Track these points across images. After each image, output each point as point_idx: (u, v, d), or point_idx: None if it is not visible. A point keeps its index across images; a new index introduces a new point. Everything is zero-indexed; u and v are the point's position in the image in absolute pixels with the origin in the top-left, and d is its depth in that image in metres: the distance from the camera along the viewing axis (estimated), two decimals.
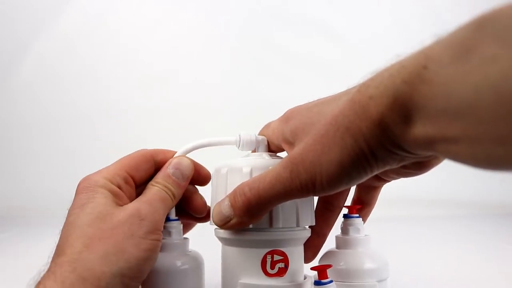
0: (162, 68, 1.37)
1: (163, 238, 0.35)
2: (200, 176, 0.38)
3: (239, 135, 0.36)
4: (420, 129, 0.22)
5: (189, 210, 0.38)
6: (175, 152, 0.37)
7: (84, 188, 0.32)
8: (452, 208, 1.12)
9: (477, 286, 0.50)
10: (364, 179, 0.26)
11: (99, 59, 1.38)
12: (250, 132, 0.36)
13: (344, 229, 0.38)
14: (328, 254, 0.38)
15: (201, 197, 0.38)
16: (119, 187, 0.33)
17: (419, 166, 0.30)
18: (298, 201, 0.32)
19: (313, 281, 0.32)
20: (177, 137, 1.15)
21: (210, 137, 0.37)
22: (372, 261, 0.36)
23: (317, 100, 0.31)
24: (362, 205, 0.39)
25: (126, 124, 1.34)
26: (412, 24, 1.31)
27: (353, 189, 0.39)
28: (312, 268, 0.32)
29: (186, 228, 0.40)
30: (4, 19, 1.39)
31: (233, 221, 0.31)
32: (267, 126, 0.36)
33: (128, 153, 0.36)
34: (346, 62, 1.31)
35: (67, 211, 0.32)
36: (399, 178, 0.34)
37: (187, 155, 0.37)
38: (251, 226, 0.31)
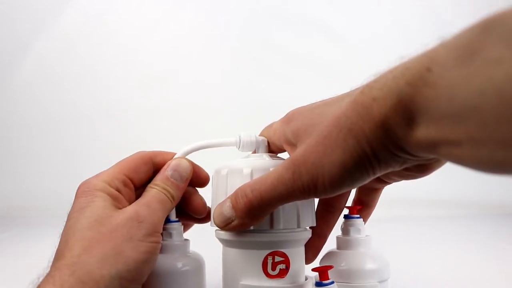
0: (162, 68, 1.37)
1: (164, 240, 0.35)
2: (199, 178, 0.38)
3: (239, 136, 0.36)
4: (423, 131, 0.22)
5: (188, 211, 0.38)
6: (174, 154, 0.37)
7: (83, 192, 0.32)
8: (452, 208, 1.12)
9: (477, 286, 0.50)
10: (366, 181, 0.26)
11: (99, 59, 1.38)
12: (250, 133, 0.36)
13: (345, 230, 0.38)
14: (329, 254, 0.38)
15: (201, 198, 0.38)
16: (118, 190, 0.33)
17: (421, 169, 0.30)
18: (298, 202, 0.32)
19: (314, 282, 0.32)
20: (177, 137, 1.15)
21: (210, 138, 0.36)
22: (373, 261, 0.36)
23: (320, 101, 0.31)
24: (363, 206, 0.39)
25: (126, 124, 1.34)
26: (412, 24, 1.31)
27: (353, 191, 0.39)
28: (313, 269, 0.32)
29: (184, 228, 0.40)
30: (4, 19, 1.38)
31: (235, 222, 0.31)
32: (269, 126, 0.36)
33: (128, 154, 0.36)
34: (346, 62, 1.31)
35: (66, 213, 0.32)
36: (400, 180, 0.34)
37: (187, 157, 0.37)
38: (252, 227, 0.31)
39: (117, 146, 1.26)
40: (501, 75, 0.18)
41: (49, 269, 0.29)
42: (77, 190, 0.32)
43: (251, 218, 0.30)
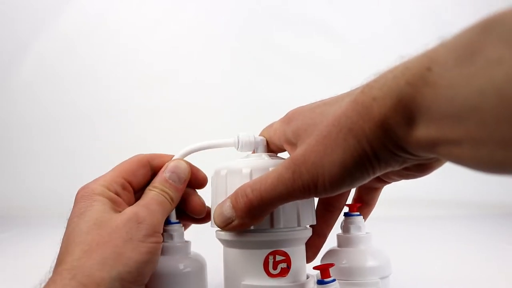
0: (162, 68, 1.37)
1: (165, 242, 0.35)
2: (197, 180, 0.38)
3: (238, 137, 0.36)
4: (423, 131, 0.22)
5: (188, 211, 0.38)
6: (172, 156, 0.37)
7: (82, 197, 0.32)
8: (452, 208, 1.12)
9: (477, 286, 0.50)
10: (366, 180, 0.26)
11: (99, 59, 1.38)
12: (249, 133, 0.36)
13: (345, 228, 0.38)
14: (330, 253, 0.38)
15: (200, 198, 0.38)
16: (117, 194, 0.33)
17: (420, 168, 0.30)
18: (298, 201, 0.32)
19: (316, 281, 0.32)
20: (177, 137, 1.15)
21: (208, 139, 0.37)
22: (374, 258, 0.36)
23: (320, 101, 0.31)
24: (363, 204, 0.39)
25: (126, 124, 1.34)
26: (412, 24, 1.31)
27: (353, 190, 0.39)
28: (314, 268, 0.32)
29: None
30: (4, 19, 1.38)
31: (235, 222, 0.31)
32: (269, 126, 0.36)
33: (129, 154, 0.36)
34: (346, 62, 1.31)
35: (67, 213, 0.32)
36: (400, 179, 0.34)
37: (185, 158, 0.37)
38: (252, 227, 0.31)
39: (117, 146, 1.26)
40: (501, 75, 0.18)
41: (51, 274, 0.29)
42: (76, 195, 0.33)
43: (252, 218, 0.30)
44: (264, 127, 0.37)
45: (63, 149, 1.33)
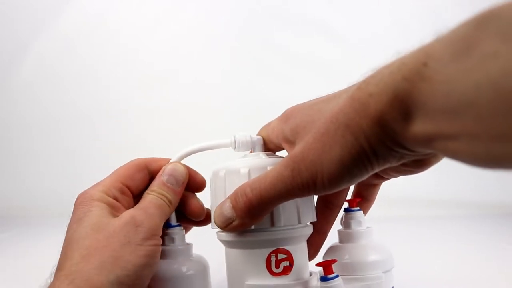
0: (162, 68, 1.37)
1: (167, 245, 0.35)
2: (195, 183, 0.38)
3: (234, 137, 0.36)
4: (420, 126, 0.22)
5: (187, 214, 0.38)
6: (169, 160, 0.37)
7: (81, 203, 0.32)
8: (452, 208, 1.12)
9: (477, 286, 0.50)
10: (365, 176, 0.26)
11: (99, 59, 1.38)
12: (245, 132, 0.36)
13: (346, 223, 0.38)
14: (331, 249, 0.38)
15: (198, 201, 0.38)
16: (116, 199, 0.33)
17: (418, 164, 0.30)
18: (298, 198, 0.32)
19: (319, 277, 0.32)
20: (177, 137, 1.15)
21: (205, 141, 0.37)
22: (376, 252, 0.36)
23: (317, 98, 0.31)
24: (362, 199, 0.39)
25: (126, 124, 1.34)
26: (412, 24, 1.31)
27: (352, 187, 0.39)
28: (317, 264, 0.32)
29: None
30: (4, 19, 1.38)
31: (235, 222, 0.30)
32: (267, 125, 0.36)
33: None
34: (346, 62, 1.31)
35: (66, 213, 0.32)
36: (398, 176, 0.34)
37: (182, 161, 0.37)
38: (253, 227, 0.31)
39: (117, 146, 1.26)
40: (497, 69, 0.18)
41: (51, 279, 0.29)
42: (75, 202, 0.33)
43: (252, 217, 0.30)
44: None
45: (63, 149, 1.33)
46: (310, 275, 0.34)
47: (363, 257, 0.36)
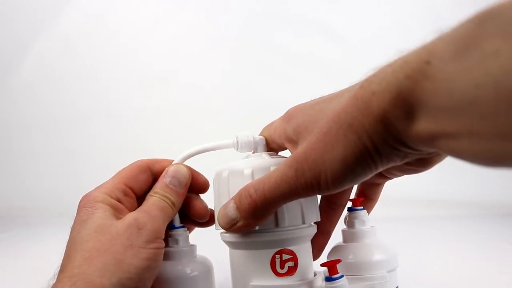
0: (162, 68, 1.37)
1: (171, 247, 0.35)
2: (198, 184, 0.38)
3: (237, 137, 0.36)
4: (423, 125, 0.22)
5: (191, 215, 0.38)
6: (172, 161, 0.37)
7: (84, 205, 0.32)
8: (452, 208, 1.12)
9: (477, 286, 0.50)
10: (368, 176, 0.26)
11: (99, 59, 1.38)
12: (247, 133, 0.36)
13: (350, 222, 0.38)
14: (336, 248, 0.38)
15: (202, 202, 0.38)
16: (119, 200, 0.33)
17: (422, 163, 0.30)
18: (302, 198, 0.32)
19: (323, 277, 0.32)
20: (177, 137, 1.15)
21: (207, 142, 0.37)
22: (380, 252, 0.36)
23: (319, 98, 0.31)
24: (365, 198, 0.39)
25: (126, 124, 1.34)
26: (412, 24, 1.31)
27: (355, 186, 0.39)
28: (322, 264, 0.32)
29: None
30: (4, 19, 1.38)
31: (240, 223, 0.30)
32: (269, 125, 0.36)
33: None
34: (346, 62, 1.31)
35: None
36: (402, 175, 0.34)
37: (185, 162, 0.37)
38: (257, 227, 0.31)
39: (117, 146, 1.26)
40: (498, 67, 0.18)
41: (54, 281, 0.29)
42: (78, 204, 0.33)
43: (256, 218, 0.30)
44: (264, 127, 0.37)
45: (63, 149, 1.33)
46: (315, 275, 0.34)
47: (367, 256, 0.36)
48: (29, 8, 1.38)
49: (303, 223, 0.33)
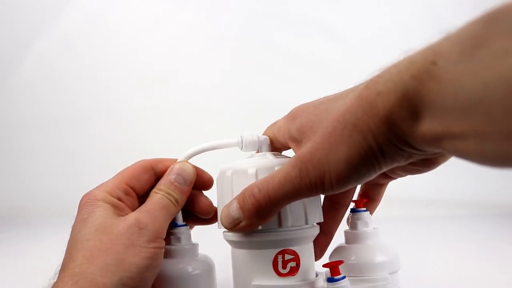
0: (162, 68, 1.37)
1: (172, 245, 0.35)
2: (202, 181, 0.38)
3: (241, 137, 0.36)
4: (428, 125, 0.22)
5: (196, 212, 0.38)
6: (176, 160, 0.37)
7: (85, 203, 0.32)
8: (452, 208, 1.12)
9: (477, 286, 0.50)
10: (372, 176, 0.26)
11: (99, 59, 1.38)
12: (252, 132, 0.36)
13: (352, 224, 0.38)
14: (338, 249, 0.38)
15: (207, 198, 0.38)
16: (120, 199, 0.33)
17: (426, 163, 0.30)
18: (305, 199, 0.32)
19: (325, 278, 0.32)
20: (177, 137, 1.15)
21: (212, 140, 0.36)
22: (382, 254, 0.36)
23: (324, 97, 0.31)
24: (368, 199, 0.39)
25: (126, 124, 1.34)
26: (412, 24, 1.31)
27: (358, 186, 0.39)
28: (324, 265, 0.32)
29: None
30: (4, 19, 1.38)
31: (243, 223, 0.30)
32: (273, 125, 0.36)
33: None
34: (346, 62, 1.31)
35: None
36: (406, 175, 0.34)
37: (189, 161, 0.37)
38: (260, 227, 0.31)
39: (117, 146, 1.26)
40: (508, 67, 0.17)
41: (55, 280, 0.29)
42: (79, 202, 0.33)
43: (260, 218, 0.30)
44: (264, 126, 0.37)
45: (63, 149, 1.33)
46: (316, 276, 0.34)
47: (369, 258, 0.36)
48: (29, 8, 1.38)
49: (306, 223, 0.33)
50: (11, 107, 1.37)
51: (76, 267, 0.28)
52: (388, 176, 0.35)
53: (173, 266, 0.34)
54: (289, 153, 0.34)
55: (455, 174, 0.89)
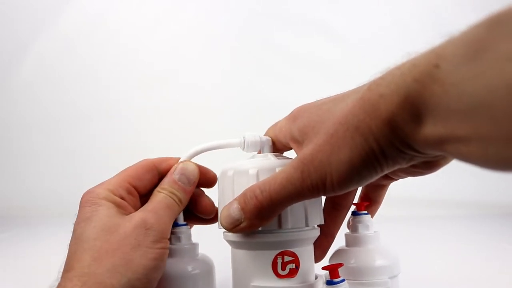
0: (162, 68, 1.37)
1: (173, 244, 0.35)
2: (207, 179, 0.38)
3: (244, 137, 0.36)
4: (431, 128, 0.22)
5: (197, 212, 0.38)
6: (179, 159, 0.37)
7: (87, 201, 0.32)
8: (452, 208, 1.12)
9: (477, 286, 0.50)
10: (374, 178, 0.26)
11: (99, 59, 1.38)
12: (254, 133, 0.36)
13: (353, 227, 0.38)
14: (338, 252, 0.38)
15: (208, 198, 0.38)
16: (122, 198, 0.33)
17: (428, 166, 0.30)
18: (306, 200, 0.32)
19: (325, 281, 0.32)
20: (177, 137, 1.15)
21: (214, 140, 0.36)
22: (383, 257, 0.36)
23: (326, 98, 0.31)
24: (370, 202, 0.39)
25: (126, 124, 1.34)
26: (412, 24, 1.31)
27: (360, 188, 0.39)
28: (323, 268, 0.32)
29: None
30: (4, 19, 1.38)
31: (244, 224, 0.30)
32: (274, 125, 0.36)
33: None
34: (346, 62, 1.31)
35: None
36: (407, 177, 0.34)
37: (192, 160, 0.37)
38: (260, 228, 0.31)
39: (117, 146, 1.26)
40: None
41: (59, 280, 0.29)
42: (81, 200, 0.32)
43: (261, 219, 0.30)
44: (264, 126, 0.37)
45: (63, 149, 1.33)
46: (316, 278, 0.34)
47: (369, 261, 0.36)
48: (29, 8, 1.38)
49: (307, 225, 0.33)
50: (11, 107, 1.37)
51: (84, 267, 0.28)
52: (389, 178, 0.35)
53: (173, 265, 0.34)
54: (290, 154, 0.34)
55: (455, 174, 0.89)
